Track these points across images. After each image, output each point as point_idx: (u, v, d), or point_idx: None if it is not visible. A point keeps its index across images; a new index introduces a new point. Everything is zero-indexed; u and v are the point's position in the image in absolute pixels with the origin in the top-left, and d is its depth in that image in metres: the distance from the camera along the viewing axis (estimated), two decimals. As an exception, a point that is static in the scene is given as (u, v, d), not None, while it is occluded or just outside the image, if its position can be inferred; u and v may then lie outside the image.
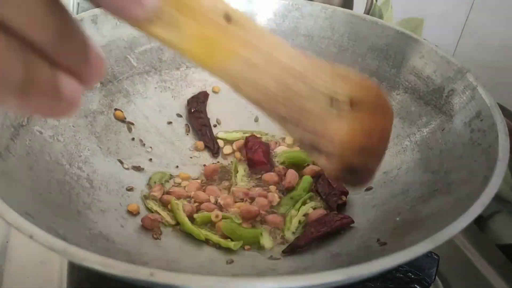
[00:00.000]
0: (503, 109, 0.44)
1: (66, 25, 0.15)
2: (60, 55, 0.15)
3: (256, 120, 0.49)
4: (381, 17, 0.61)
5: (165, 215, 0.38)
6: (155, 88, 0.47)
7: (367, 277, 0.21)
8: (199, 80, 0.49)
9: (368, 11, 0.65)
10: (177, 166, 0.44)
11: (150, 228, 0.36)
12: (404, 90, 0.44)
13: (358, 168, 0.31)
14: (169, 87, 0.48)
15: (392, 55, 0.45)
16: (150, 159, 0.43)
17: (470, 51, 0.47)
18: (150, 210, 0.38)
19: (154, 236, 0.35)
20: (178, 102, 0.48)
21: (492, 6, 0.44)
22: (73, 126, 0.39)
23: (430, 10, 0.53)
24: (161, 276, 0.20)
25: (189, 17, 0.20)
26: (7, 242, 0.40)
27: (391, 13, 0.59)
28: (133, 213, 0.37)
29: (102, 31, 0.43)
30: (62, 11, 0.15)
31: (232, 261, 0.35)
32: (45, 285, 0.37)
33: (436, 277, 0.40)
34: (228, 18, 0.22)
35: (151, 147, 0.44)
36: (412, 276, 0.37)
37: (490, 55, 0.45)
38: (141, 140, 0.44)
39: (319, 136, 0.28)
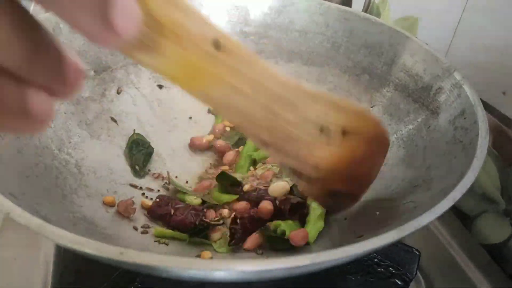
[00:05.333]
0: (491, 108, 0.44)
1: (37, 42, 0.14)
2: (29, 73, 0.14)
3: None
4: (378, 14, 0.62)
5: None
6: (149, 78, 0.47)
7: (331, 265, 0.22)
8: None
9: (366, 9, 0.65)
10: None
11: (126, 215, 0.36)
12: (394, 87, 0.44)
13: (342, 194, 0.32)
14: (162, 78, 0.48)
15: (384, 53, 0.45)
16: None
17: (463, 50, 0.47)
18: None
19: (134, 226, 0.36)
20: (171, 93, 0.48)
21: (485, 7, 0.44)
22: (64, 113, 0.40)
23: (426, 10, 0.53)
24: (130, 256, 0.20)
25: (175, 44, 0.20)
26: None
27: (388, 11, 0.60)
28: (109, 205, 0.37)
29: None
30: (32, 29, 0.14)
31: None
32: (32, 269, 0.38)
33: (419, 274, 0.41)
34: (217, 45, 0.21)
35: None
36: (393, 271, 0.38)
37: (481, 55, 0.45)
38: (133, 130, 0.44)
39: (302, 162, 0.29)
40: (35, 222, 0.22)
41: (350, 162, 0.30)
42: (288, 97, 0.25)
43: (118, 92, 0.44)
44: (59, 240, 0.21)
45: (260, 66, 0.24)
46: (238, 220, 0.35)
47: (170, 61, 0.20)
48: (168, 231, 0.35)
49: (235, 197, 0.38)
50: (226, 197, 0.38)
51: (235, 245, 0.35)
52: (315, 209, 0.36)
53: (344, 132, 0.29)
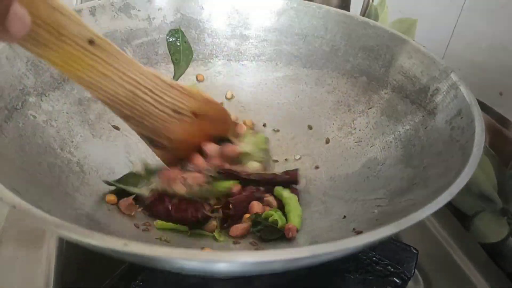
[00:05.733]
0: (488, 108, 0.45)
1: None
2: None
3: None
4: (376, 16, 0.62)
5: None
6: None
7: (330, 257, 0.22)
8: (193, 74, 0.50)
9: (365, 11, 0.66)
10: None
11: (127, 213, 0.37)
12: (392, 89, 0.45)
13: (190, 161, 0.39)
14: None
15: (382, 55, 0.46)
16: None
17: (460, 51, 0.48)
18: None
19: (135, 225, 0.36)
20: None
21: (482, 8, 0.45)
22: (67, 113, 0.40)
23: (423, 11, 0.54)
24: (134, 247, 0.21)
25: (57, 39, 0.27)
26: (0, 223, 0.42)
27: (386, 13, 0.60)
28: (111, 203, 0.37)
29: (100, 22, 0.44)
30: None
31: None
32: (35, 265, 0.38)
33: (417, 273, 0.41)
34: (91, 41, 0.28)
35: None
36: (392, 270, 0.38)
37: (479, 56, 0.45)
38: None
39: (157, 134, 0.37)
40: (40, 214, 0.22)
41: (198, 136, 0.39)
42: (147, 84, 0.33)
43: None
44: (64, 232, 0.21)
45: (126, 60, 0.31)
46: (230, 205, 0.38)
47: (53, 52, 0.27)
48: (169, 224, 0.36)
49: (237, 182, 0.40)
50: (229, 183, 0.39)
51: (228, 227, 0.37)
52: (290, 199, 0.39)
53: (195, 114, 0.37)
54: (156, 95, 0.34)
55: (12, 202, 0.23)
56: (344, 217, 0.36)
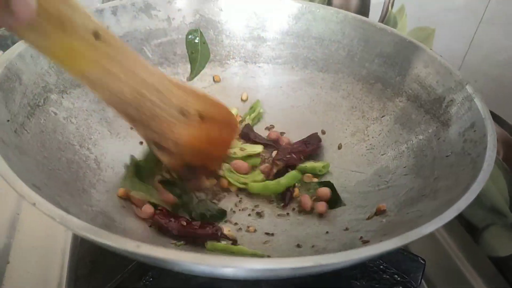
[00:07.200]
0: (503, 122, 0.44)
1: None
2: None
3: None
4: (395, 24, 0.62)
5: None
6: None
7: (335, 268, 0.23)
8: (209, 74, 0.51)
9: (383, 18, 0.66)
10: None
11: (147, 217, 0.37)
12: (407, 97, 0.45)
13: (196, 167, 0.38)
14: (181, 79, 0.50)
15: (399, 63, 0.46)
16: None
17: (477, 63, 0.48)
18: None
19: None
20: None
21: (501, 22, 0.44)
22: (86, 110, 0.41)
23: (442, 21, 0.53)
24: (147, 249, 0.21)
25: (60, 31, 0.24)
26: (18, 214, 0.43)
27: (405, 21, 0.60)
28: (122, 198, 0.38)
29: (121, 22, 0.45)
30: None
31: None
32: (49, 258, 0.40)
33: (423, 283, 0.42)
34: (96, 35, 0.26)
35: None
36: (398, 279, 0.38)
37: (495, 68, 0.45)
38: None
39: (164, 137, 0.34)
40: (59, 213, 0.23)
41: (205, 141, 0.37)
42: (154, 83, 0.31)
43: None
44: (81, 232, 0.22)
45: (133, 57, 0.29)
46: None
47: (54, 45, 0.25)
48: (221, 244, 0.35)
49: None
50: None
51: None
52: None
53: (201, 117, 0.35)
54: (163, 95, 0.32)
55: (32, 200, 0.24)
56: (346, 229, 0.37)
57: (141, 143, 0.43)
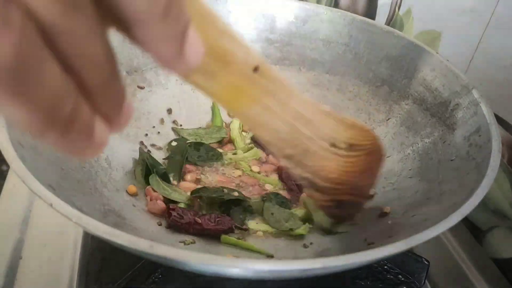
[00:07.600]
0: (509, 125, 0.45)
1: (114, 70, 0.15)
2: (101, 99, 0.15)
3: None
4: (402, 26, 0.62)
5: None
6: (176, 80, 0.50)
7: (340, 270, 0.23)
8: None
9: (390, 20, 0.66)
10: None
11: (158, 214, 0.38)
12: (413, 100, 0.45)
13: (345, 203, 0.35)
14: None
15: (405, 66, 0.47)
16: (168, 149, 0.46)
17: (483, 67, 0.48)
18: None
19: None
20: (197, 94, 0.50)
21: (507, 25, 0.45)
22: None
23: (449, 24, 0.54)
24: (159, 249, 0.22)
25: (223, 68, 0.22)
26: (30, 211, 0.44)
27: (412, 24, 0.60)
28: (131, 195, 0.39)
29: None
30: (113, 56, 0.15)
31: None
32: (61, 254, 0.41)
33: (427, 284, 0.42)
34: (256, 69, 0.23)
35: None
36: (402, 279, 0.39)
37: (502, 73, 0.46)
38: (158, 132, 0.47)
39: (315, 174, 0.32)
40: (74, 213, 0.24)
41: (354, 173, 0.33)
42: (307, 114, 0.28)
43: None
44: (96, 232, 0.23)
45: (287, 87, 0.26)
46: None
47: (219, 84, 0.23)
48: (233, 239, 0.37)
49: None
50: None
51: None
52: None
53: (350, 146, 0.32)
54: (315, 126, 0.29)
55: (49, 201, 0.25)
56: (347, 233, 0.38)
57: (141, 142, 0.44)
